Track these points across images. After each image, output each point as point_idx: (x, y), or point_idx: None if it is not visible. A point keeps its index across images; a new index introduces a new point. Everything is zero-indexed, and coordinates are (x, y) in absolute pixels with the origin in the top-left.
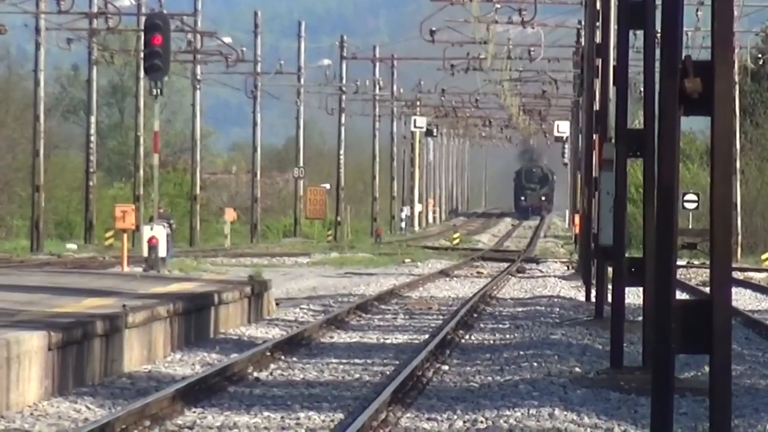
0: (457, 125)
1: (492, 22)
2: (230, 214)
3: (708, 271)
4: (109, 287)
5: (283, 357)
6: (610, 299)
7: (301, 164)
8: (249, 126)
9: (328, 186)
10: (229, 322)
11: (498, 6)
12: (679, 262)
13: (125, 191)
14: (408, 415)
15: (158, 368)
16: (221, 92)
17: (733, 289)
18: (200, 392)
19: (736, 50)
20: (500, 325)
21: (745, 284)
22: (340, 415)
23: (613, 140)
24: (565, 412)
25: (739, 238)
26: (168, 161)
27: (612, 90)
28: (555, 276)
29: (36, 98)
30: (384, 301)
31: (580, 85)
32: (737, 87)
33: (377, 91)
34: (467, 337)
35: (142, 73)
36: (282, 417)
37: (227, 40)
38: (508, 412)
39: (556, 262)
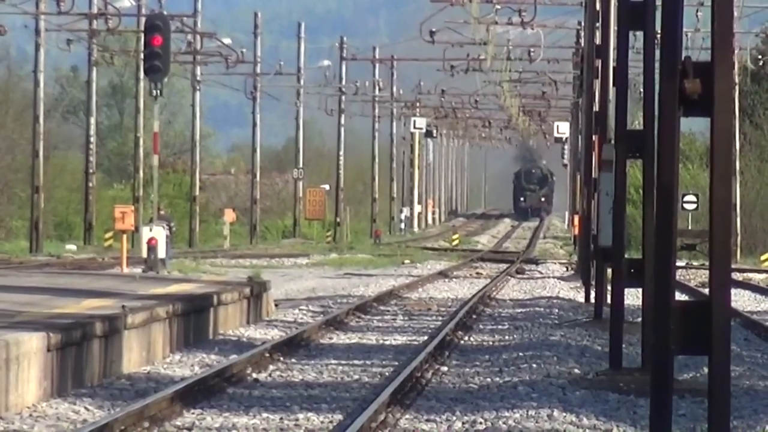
0: (456, 126)
1: (492, 23)
2: (229, 215)
3: (707, 272)
4: (109, 288)
5: (282, 358)
6: (609, 300)
7: (301, 165)
8: (248, 127)
9: (327, 187)
10: (228, 323)
11: (498, 7)
12: (679, 263)
13: (125, 192)
14: (407, 416)
15: (157, 369)
16: (221, 93)
17: (733, 291)
18: (199, 393)
19: (736, 51)
20: (499, 327)
21: (745, 285)
22: (339, 416)
23: (612, 141)
24: (564, 414)
25: (739, 239)
26: (168, 162)
27: (612, 91)
28: (554, 277)
29: (36, 99)
30: (383, 302)
31: (580, 86)
32: (737, 88)
33: (377, 91)
34: (466, 338)
35: (141, 74)
36: (281, 418)
37: (227, 41)
38: (507, 414)
39: (555, 263)
